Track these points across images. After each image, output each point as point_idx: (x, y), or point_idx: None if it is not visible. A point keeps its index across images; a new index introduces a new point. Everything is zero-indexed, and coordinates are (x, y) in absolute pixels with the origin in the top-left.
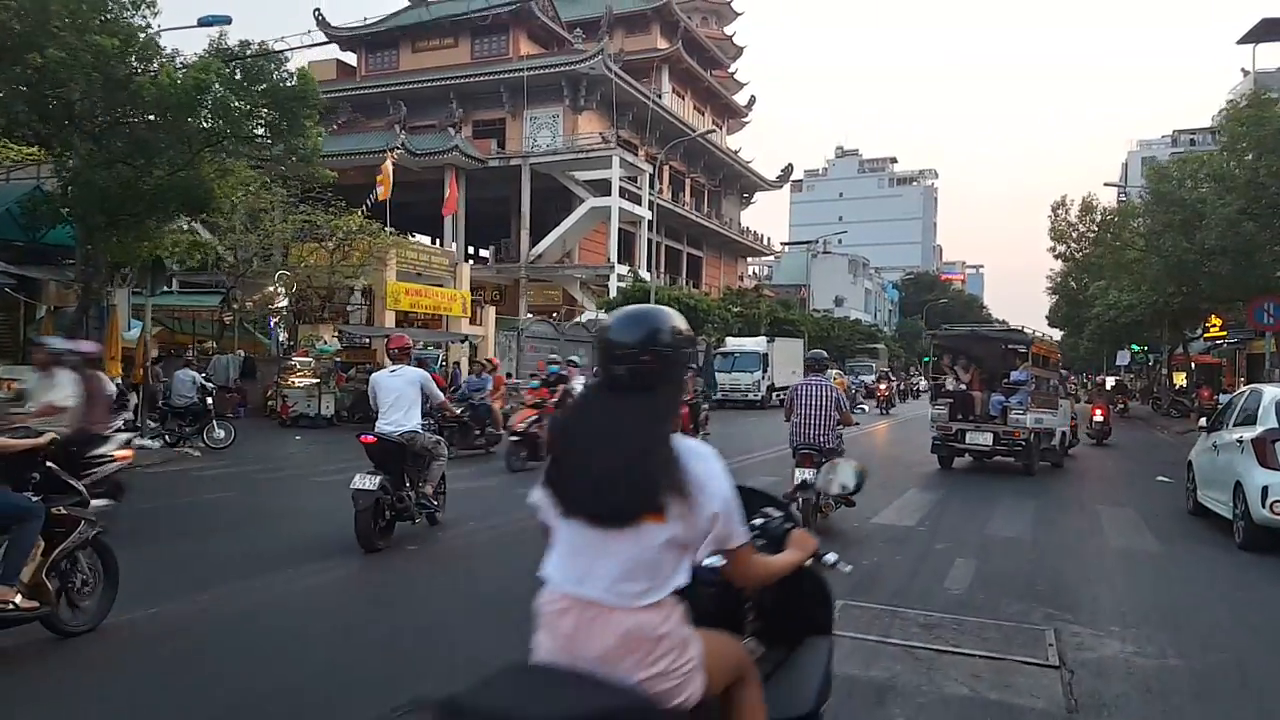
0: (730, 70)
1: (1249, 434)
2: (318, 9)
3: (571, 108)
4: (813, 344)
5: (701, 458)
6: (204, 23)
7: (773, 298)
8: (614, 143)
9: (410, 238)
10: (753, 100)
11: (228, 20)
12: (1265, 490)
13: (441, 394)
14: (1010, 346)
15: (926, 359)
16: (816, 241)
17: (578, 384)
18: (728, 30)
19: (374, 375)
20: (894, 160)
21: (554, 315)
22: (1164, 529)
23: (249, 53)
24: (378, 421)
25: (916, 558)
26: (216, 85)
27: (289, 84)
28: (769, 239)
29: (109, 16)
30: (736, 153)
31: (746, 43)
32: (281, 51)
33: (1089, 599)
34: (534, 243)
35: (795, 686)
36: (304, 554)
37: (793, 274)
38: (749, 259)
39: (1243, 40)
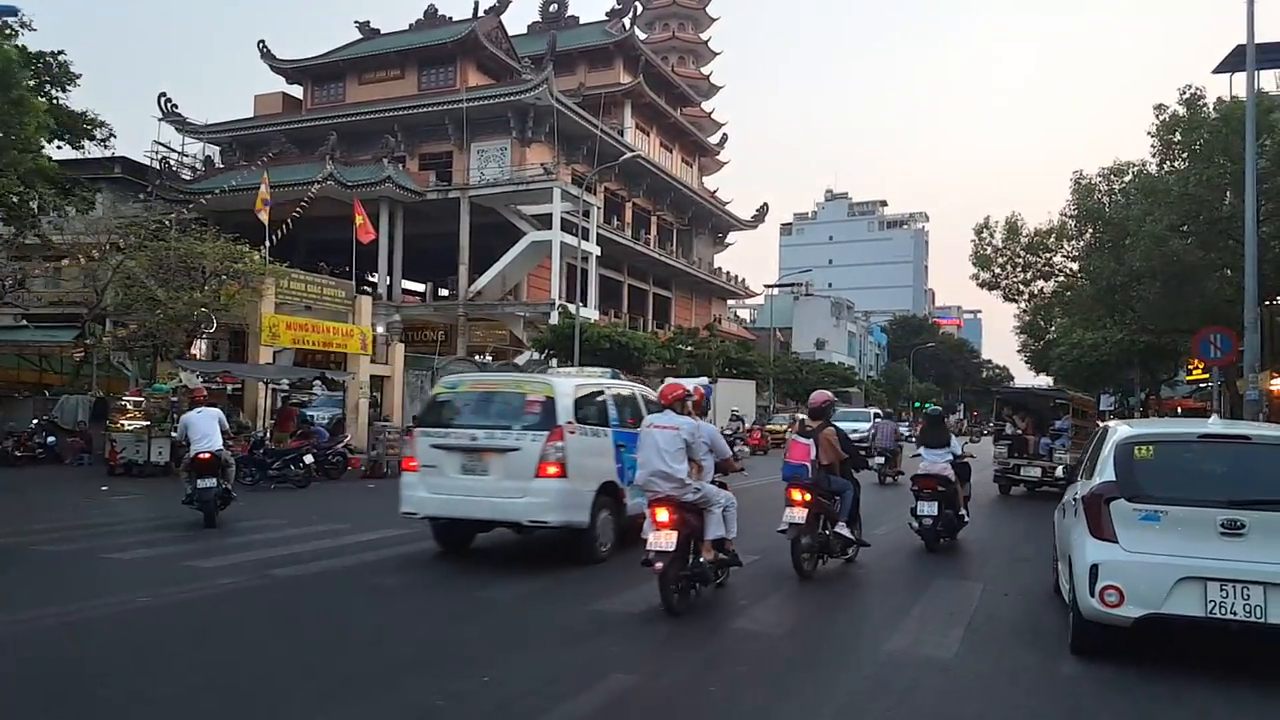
0: (709, 110)
1: (1084, 489)
2: (262, 40)
3: (519, 140)
4: (778, 386)
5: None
6: None
7: (729, 337)
8: (556, 174)
9: (287, 266)
10: (725, 139)
11: (13, 11)
12: (1095, 570)
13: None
14: (1057, 401)
15: (917, 404)
16: (800, 284)
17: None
18: (705, 70)
19: (184, 416)
20: (884, 204)
21: (479, 355)
22: (993, 620)
23: None
24: (194, 445)
25: (560, 672)
26: None
27: None
28: (744, 280)
29: None
30: (714, 193)
31: (724, 82)
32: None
33: None
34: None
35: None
36: None
37: (776, 317)
38: (729, 301)
39: (1218, 69)
